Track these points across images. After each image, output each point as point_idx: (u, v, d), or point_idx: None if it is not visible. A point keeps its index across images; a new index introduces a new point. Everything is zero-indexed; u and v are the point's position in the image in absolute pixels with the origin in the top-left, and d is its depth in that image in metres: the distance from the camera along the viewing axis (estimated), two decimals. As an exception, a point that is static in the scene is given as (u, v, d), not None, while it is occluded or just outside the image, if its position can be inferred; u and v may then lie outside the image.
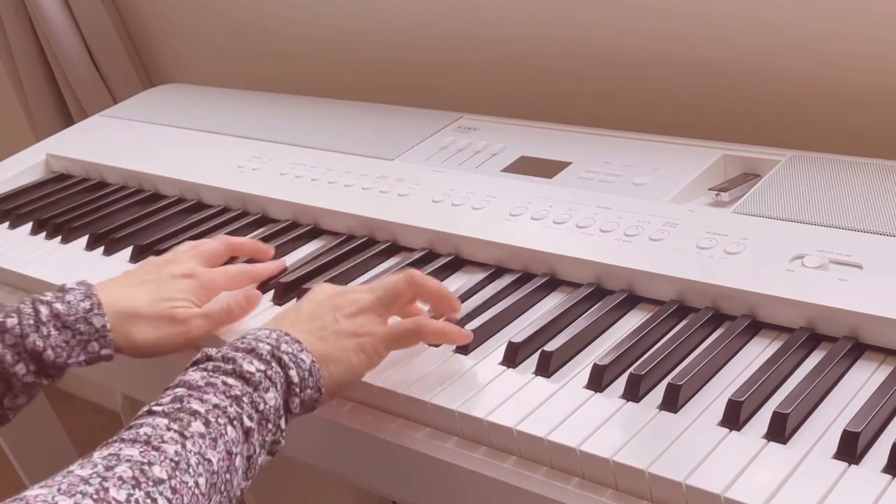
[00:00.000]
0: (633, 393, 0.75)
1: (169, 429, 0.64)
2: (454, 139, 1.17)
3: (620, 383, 0.77)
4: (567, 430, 0.72)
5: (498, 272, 0.95)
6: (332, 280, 0.96)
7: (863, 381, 0.74)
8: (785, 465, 0.66)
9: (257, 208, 1.16)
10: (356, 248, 1.04)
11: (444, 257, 0.99)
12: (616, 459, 0.69)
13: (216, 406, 0.67)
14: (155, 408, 0.66)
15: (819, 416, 0.71)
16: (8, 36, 1.87)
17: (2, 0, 1.82)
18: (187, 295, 0.88)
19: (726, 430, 0.71)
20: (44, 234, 1.21)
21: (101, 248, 1.14)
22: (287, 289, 0.97)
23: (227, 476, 0.65)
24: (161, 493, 0.59)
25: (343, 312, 0.79)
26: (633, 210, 0.95)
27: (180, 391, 0.68)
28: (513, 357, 0.82)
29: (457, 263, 0.99)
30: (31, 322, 0.80)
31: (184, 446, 0.63)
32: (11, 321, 0.80)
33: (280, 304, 0.96)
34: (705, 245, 0.87)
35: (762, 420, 0.70)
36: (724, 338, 0.80)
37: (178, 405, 0.66)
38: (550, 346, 0.81)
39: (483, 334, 0.86)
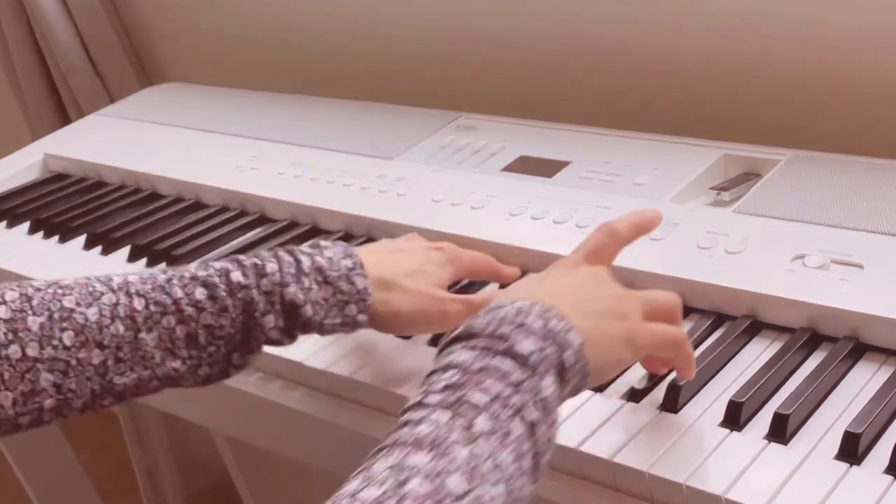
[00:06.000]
0: (634, 393, 0.75)
1: (452, 428, 0.55)
2: (453, 138, 1.17)
3: (621, 384, 0.77)
4: (567, 431, 0.72)
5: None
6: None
7: (864, 381, 0.74)
8: (786, 465, 0.66)
9: (256, 208, 1.16)
10: (355, 247, 1.03)
11: (444, 257, 0.99)
12: (616, 460, 0.68)
13: (497, 396, 0.57)
14: (429, 398, 0.57)
15: (820, 417, 0.71)
16: (5, 34, 1.86)
17: (-1, -1, 1.82)
18: (436, 266, 0.80)
19: (727, 430, 0.70)
20: (41, 233, 1.21)
21: (99, 248, 1.14)
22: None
23: (520, 482, 0.56)
24: None
25: (608, 288, 0.67)
26: (633, 210, 0.94)
27: (453, 376, 0.58)
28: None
29: (456, 263, 0.99)
30: (293, 272, 0.72)
31: (472, 452, 0.54)
32: (272, 266, 0.71)
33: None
34: (706, 245, 0.87)
35: (763, 421, 0.70)
36: (724, 338, 0.80)
37: (456, 395, 0.56)
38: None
39: (483, 334, 0.85)
